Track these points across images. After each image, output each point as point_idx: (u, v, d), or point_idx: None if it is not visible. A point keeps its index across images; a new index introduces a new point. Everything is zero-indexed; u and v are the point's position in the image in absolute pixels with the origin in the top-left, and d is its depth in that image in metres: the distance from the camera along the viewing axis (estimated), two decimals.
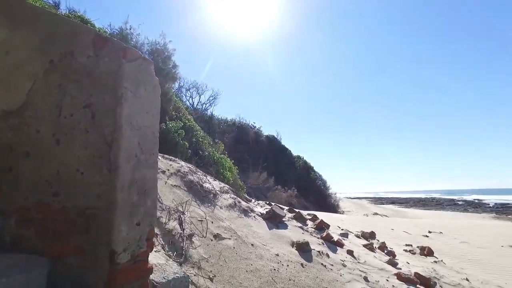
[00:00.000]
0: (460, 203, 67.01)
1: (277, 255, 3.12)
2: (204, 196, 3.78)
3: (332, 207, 23.89)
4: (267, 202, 5.82)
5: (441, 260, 5.22)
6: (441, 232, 8.89)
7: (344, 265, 3.44)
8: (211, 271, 2.37)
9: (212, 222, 3.18)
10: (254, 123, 22.39)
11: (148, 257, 1.37)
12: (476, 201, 72.63)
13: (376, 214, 26.11)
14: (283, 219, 4.39)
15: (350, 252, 3.97)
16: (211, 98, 18.54)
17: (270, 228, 3.89)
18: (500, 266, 5.70)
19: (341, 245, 4.18)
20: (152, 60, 1.49)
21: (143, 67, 1.37)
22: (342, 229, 6.31)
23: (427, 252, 5.51)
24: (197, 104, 17.92)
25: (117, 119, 1.23)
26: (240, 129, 20.14)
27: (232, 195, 4.33)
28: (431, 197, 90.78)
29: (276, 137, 23.86)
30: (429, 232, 8.62)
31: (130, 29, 8.67)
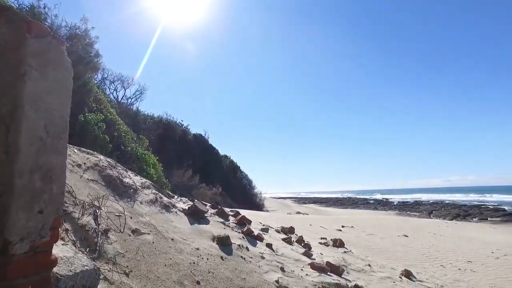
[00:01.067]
0: (371, 202, 75.53)
1: (198, 249, 3.15)
2: (123, 191, 3.62)
3: (257, 206, 24.71)
4: (190, 199, 5.79)
5: (350, 250, 5.83)
6: (352, 227, 9.87)
7: (263, 257, 3.63)
8: (127, 266, 2.30)
9: (131, 217, 3.07)
10: (182, 121, 21.99)
11: (51, 248, 1.28)
12: (384, 200, 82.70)
13: (298, 213, 27.79)
14: (206, 215, 4.43)
15: (269, 245, 4.20)
16: (138, 92, 17.60)
17: (191, 223, 3.89)
18: (394, 252, 6.62)
19: (261, 239, 4.39)
20: (71, 46, 1.41)
21: (53, 45, 1.29)
22: (263, 225, 6.59)
23: (338, 244, 6.10)
24: (122, 98, 16.83)
25: (17, 98, 1.14)
26: (167, 126, 19.54)
27: (154, 191, 4.22)
28: (348, 197, 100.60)
29: (204, 136, 23.77)
30: (342, 226, 9.52)
31: (44, 8, 7.78)
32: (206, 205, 5.19)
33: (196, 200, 4.91)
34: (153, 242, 2.84)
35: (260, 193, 28.68)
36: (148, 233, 2.98)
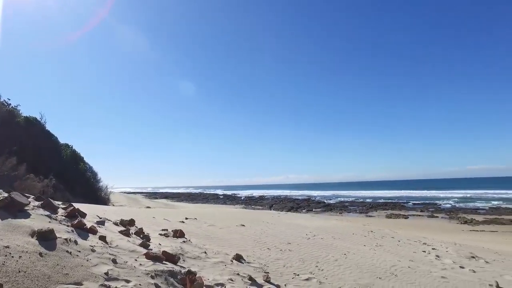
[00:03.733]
0: (221, 197, 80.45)
1: (7, 247, 2.73)
2: None
3: (102, 200, 23.16)
4: (8, 190, 4.85)
5: (189, 240, 6.13)
6: (195, 218, 10.31)
7: (94, 251, 3.44)
8: None
9: None
10: (9, 99, 18.02)
11: None
12: (232, 195, 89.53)
13: (148, 207, 26.90)
14: (26, 208, 3.84)
15: (102, 238, 3.99)
16: None
17: (3, 218, 3.31)
18: (230, 240, 7.36)
19: (94, 232, 4.12)
20: None
21: None
22: (100, 218, 6.16)
23: (179, 234, 6.30)
24: None
25: None
26: None
27: None
28: (200, 192, 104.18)
29: (40, 120, 20.08)
30: (186, 218, 9.83)
31: None
32: (29, 197, 4.46)
33: (14, 192, 4.16)
34: None
35: (106, 187, 26.49)
36: None
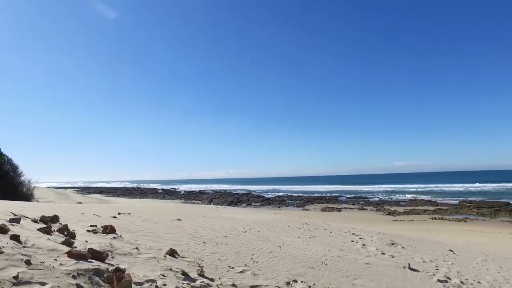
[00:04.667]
0: (160, 191, 77.96)
1: None
2: None
3: (23, 196, 21.20)
4: None
5: (120, 236, 5.82)
6: (129, 213, 9.81)
7: (1, 252, 3.07)
8: None
9: None
10: None
11: None
12: (172, 189, 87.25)
13: (80, 203, 24.94)
14: None
15: (15, 237, 3.59)
16: None
17: None
18: (165, 234, 7.16)
19: (5, 231, 3.69)
20: None
21: None
22: (16, 215, 5.55)
23: (109, 230, 5.94)
24: None
25: None
26: None
27: None
28: (137, 187, 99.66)
29: None
30: (119, 213, 9.31)
31: None
32: None
33: None
34: None
35: (29, 181, 24.03)
36: None
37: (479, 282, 6.89)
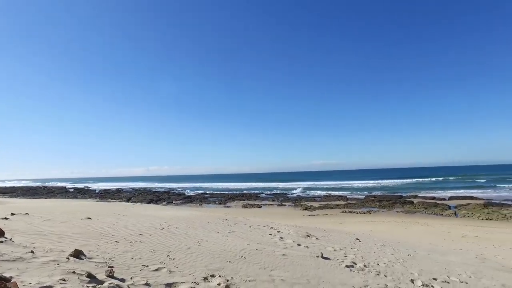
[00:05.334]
0: (71, 190, 70.55)
1: None
2: None
3: None
4: None
5: (11, 239, 5.05)
6: (27, 214, 8.64)
7: None
8: None
9: None
10: None
11: None
12: (85, 188, 79.75)
13: None
14: None
15: None
16: None
17: None
18: (71, 235, 6.45)
19: None
20: None
21: None
22: None
23: None
24: None
25: None
26: None
27: None
28: (43, 186, 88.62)
29: None
30: (12, 214, 8.10)
31: None
32: None
33: None
34: None
35: None
36: None
37: (378, 264, 7.73)
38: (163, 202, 44.41)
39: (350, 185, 71.05)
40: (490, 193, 44.99)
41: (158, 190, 70.58)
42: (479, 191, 48.20)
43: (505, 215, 26.21)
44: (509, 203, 34.49)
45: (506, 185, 54.23)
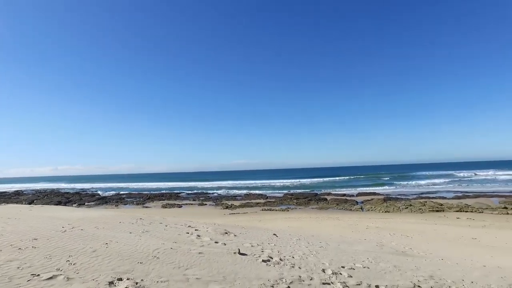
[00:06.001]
0: None
1: None
2: None
3: None
4: None
5: None
6: None
7: None
8: None
9: None
10: None
11: None
12: None
13: None
14: None
15: None
16: None
17: None
18: None
19: None
20: None
21: None
22: None
23: None
24: None
25: None
26: None
27: None
28: None
29: None
30: None
31: None
32: None
33: None
34: None
35: None
36: None
37: (293, 257, 8.03)
38: (74, 204, 40.18)
39: (270, 184, 73.77)
40: (389, 189, 51.29)
41: (68, 191, 63.64)
42: (382, 188, 54.60)
43: (399, 208, 30.09)
44: (402, 197, 39.76)
45: (402, 182, 62.68)
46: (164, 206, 36.65)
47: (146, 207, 36.94)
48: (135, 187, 78.09)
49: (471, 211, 27.32)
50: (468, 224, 21.60)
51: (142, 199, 45.04)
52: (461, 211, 27.73)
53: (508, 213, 25.90)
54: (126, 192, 57.28)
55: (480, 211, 27.25)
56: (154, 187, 76.82)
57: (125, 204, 39.63)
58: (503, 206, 28.79)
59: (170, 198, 45.93)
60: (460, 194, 40.21)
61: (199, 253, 7.18)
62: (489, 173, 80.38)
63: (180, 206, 36.99)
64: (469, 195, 38.74)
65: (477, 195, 38.35)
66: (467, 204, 30.27)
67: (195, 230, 10.62)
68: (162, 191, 58.50)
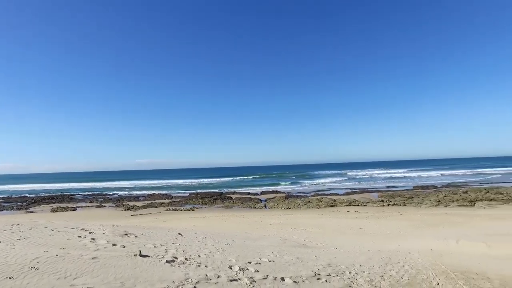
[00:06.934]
0: None
1: None
2: None
3: None
4: None
5: None
6: None
7: None
8: None
9: None
10: None
11: None
12: None
13: None
14: None
15: None
16: None
17: None
18: None
19: None
20: None
21: None
22: None
23: None
24: None
25: None
26: None
27: None
28: None
29: None
30: None
31: None
32: None
33: None
34: None
35: None
36: None
37: (199, 256, 7.71)
38: None
39: (176, 184, 71.59)
40: (290, 188, 54.86)
41: None
42: (284, 186, 58.01)
43: (299, 204, 32.37)
44: (302, 194, 42.95)
45: (304, 181, 67.79)
46: (54, 210, 32.05)
47: (30, 212, 31.71)
48: (17, 189, 66.93)
49: (358, 205, 31.11)
50: (356, 216, 24.44)
51: (26, 203, 38.61)
52: (350, 205, 31.32)
53: (383, 205, 30.37)
54: (4, 196, 48.40)
55: (364, 204, 31.27)
56: (42, 188, 67.03)
57: (1, 210, 33.35)
58: (380, 200, 33.72)
59: (62, 201, 40.46)
60: (350, 191, 45.57)
61: (93, 258, 6.30)
62: (375, 172, 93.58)
63: (74, 209, 32.90)
64: (356, 191, 44.23)
65: (362, 191, 44.08)
66: (354, 199, 34.37)
67: (89, 233, 9.39)
68: (53, 193, 51.23)
